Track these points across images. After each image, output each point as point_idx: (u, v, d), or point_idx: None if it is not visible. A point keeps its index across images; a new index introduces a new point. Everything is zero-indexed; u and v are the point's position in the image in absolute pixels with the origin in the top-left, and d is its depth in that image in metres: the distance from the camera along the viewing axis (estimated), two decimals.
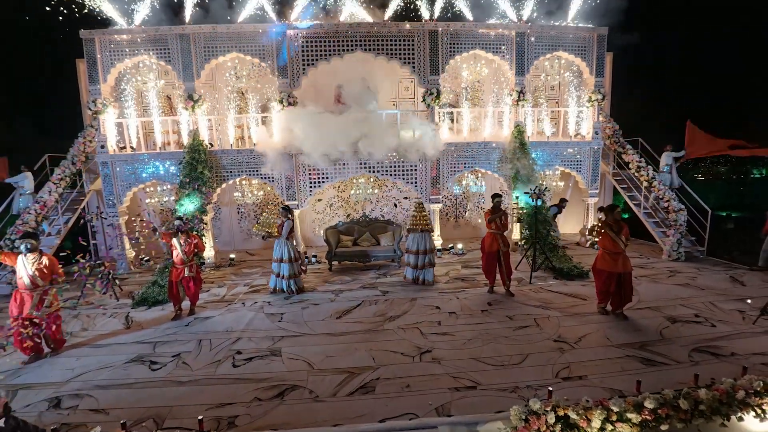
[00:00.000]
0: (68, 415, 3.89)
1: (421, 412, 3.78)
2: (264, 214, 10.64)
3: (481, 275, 7.54)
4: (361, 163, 9.41)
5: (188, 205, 8.17)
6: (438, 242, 9.98)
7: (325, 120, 8.69)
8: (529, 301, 6.55)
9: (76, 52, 9.24)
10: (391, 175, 9.65)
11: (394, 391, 4.16)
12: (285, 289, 7.15)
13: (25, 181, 9.11)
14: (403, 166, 9.60)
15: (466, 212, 11.57)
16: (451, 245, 9.94)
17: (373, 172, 9.58)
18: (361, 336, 5.46)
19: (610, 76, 10.77)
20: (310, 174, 9.42)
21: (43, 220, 8.51)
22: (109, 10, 8.74)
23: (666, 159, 10.18)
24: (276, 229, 7.26)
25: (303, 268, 7.38)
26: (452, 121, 10.39)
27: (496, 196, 6.98)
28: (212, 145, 9.34)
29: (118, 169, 9.08)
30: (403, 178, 9.69)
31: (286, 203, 9.37)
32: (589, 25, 9.76)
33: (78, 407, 4.01)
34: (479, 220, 11.44)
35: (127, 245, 9.17)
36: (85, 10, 8.57)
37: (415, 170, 9.66)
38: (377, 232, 9.13)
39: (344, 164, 9.35)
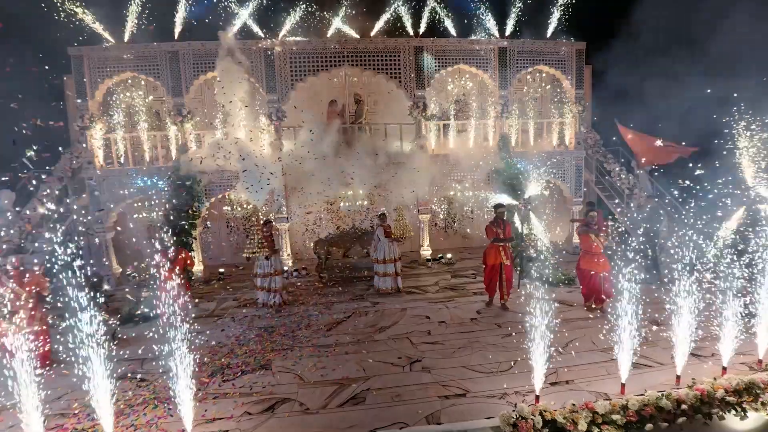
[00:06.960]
0: None
1: (412, 421, 3.81)
2: (249, 235, 10.59)
3: (471, 284, 7.63)
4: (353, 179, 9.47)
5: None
6: (427, 252, 10.05)
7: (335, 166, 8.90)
8: (517, 308, 6.63)
9: (64, 69, 9.23)
10: (380, 186, 9.73)
11: (384, 402, 4.18)
12: (270, 303, 7.15)
13: (1, 199, 8.91)
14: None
15: (455, 222, 11.69)
16: (441, 255, 10.01)
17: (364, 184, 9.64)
18: (352, 347, 5.47)
19: (590, 89, 11.11)
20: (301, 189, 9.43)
21: (27, 237, 8.36)
22: (98, 27, 8.79)
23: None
24: (258, 248, 7.19)
25: (285, 282, 7.35)
26: (439, 133, 10.57)
27: (499, 206, 6.75)
28: (201, 160, 9.32)
29: (105, 184, 9.02)
30: (392, 191, 9.75)
31: (272, 217, 9.36)
32: (569, 40, 10.11)
33: (63, 426, 3.95)
34: (468, 230, 11.56)
35: (114, 261, 9.04)
36: (74, 26, 8.59)
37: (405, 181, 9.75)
38: (367, 244, 9.16)
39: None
